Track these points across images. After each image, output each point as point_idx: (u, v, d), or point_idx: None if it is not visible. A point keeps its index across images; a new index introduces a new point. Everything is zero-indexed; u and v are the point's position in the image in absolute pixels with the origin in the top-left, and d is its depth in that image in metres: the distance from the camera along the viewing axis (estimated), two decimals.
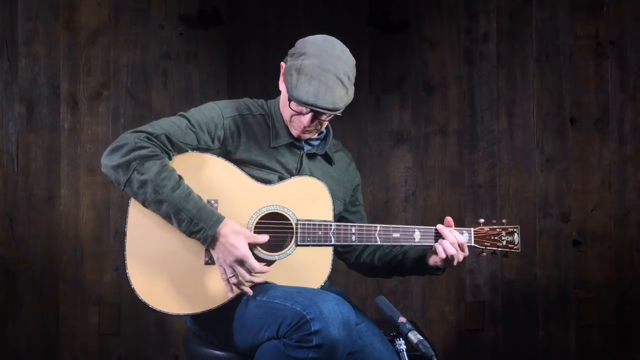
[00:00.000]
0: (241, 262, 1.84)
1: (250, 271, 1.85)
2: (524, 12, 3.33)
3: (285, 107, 2.00)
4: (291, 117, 1.99)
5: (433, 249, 2.04)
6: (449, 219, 2.05)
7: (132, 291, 1.89)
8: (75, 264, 3.14)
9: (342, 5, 3.28)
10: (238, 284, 1.86)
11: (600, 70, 3.34)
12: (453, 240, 2.00)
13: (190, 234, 1.85)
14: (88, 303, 3.15)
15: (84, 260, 3.15)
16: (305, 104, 1.89)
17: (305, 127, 1.98)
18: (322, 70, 1.89)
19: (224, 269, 1.86)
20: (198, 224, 1.83)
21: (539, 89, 3.32)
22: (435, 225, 2.04)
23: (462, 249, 2.02)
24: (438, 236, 2.03)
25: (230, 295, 1.88)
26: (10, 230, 3.12)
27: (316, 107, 1.89)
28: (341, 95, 1.91)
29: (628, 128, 3.35)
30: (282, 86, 2.03)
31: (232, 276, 1.85)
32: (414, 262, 2.12)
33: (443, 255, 2.00)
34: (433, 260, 2.05)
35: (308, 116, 1.94)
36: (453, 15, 3.32)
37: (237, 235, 1.85)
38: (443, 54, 3.31)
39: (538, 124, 3.32)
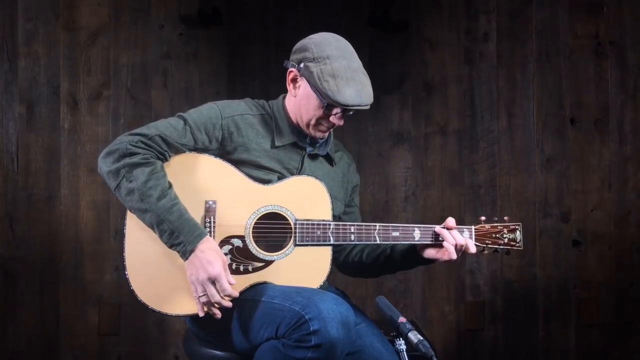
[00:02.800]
0: (213, 281, 1.81)
1: (219, 292, 1.82)
2: (524, 12, 3.33)
3: (309, 111, 1.99)
4: (317, 120, 1.99)
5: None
6: (450, 219, 2.03)
7: (132, 292, 1.89)
8: (75, 264, 3.14)
9: (342, 5, 3.28)
10: (207, 304, 1.83)
11: (600, 70, 3.34)
12: (453, 243, 1.99)
13: (171, 246, 1.84)
14: (88, 303, 3.15)
15: (84, 260, 3.15)
16: (352, 106, 1.92)
17: (334, 126, 2.00)
18: (352, 70, 1.94)
19: (195, 287, 1.83)
20: (179, 237, 1.82)
21: (539, 89, 3.32)
22: (435, 225, 2.03)
23: (466, 250, 2.01)
24: (438, 233, 2.03)
25: (201, 315, 1.85)
26: (10, 230, 3.12)
27: (361, 106, 1.93)
28: (370, 88, 1.97)
29: (628, 128, 3.35)
30: (298, 92, 2.01)
31: (203, 295, 1.82)
32: (404, 255, 2.10)
33: (450, 257, 1.99)
34: (430, 254, 2.04)
35: (340, 115, 1.97)
36: (453, 15, 3.32)
37: (216, 254, 1.84)
38: (443, 54, 3.31)
39: (538, 124, 3.32)
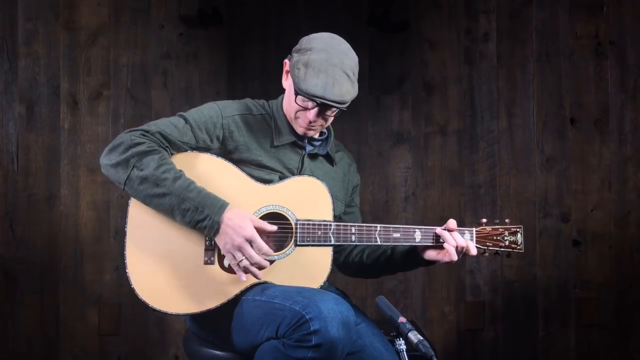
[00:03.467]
0: (249, 243, 1.83)
1: (258, 252, 1.84)
2: (524, 12, 3.33)
3: (290, 103, 1.99)
4: (296, 113, 1.99)
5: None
6: (451, 221, 2.02)
7: (132, 291, 1.88)
8: (75, 264, 3.14)
9: (342, 5, 3.28)
10: (247, 268, 1.85)
11: (600, 70, 3.34)
12: (454, 244, 1.99)
13: (196, 223, 1.83)
14: (88, 303, 3.15)
15: (84, 260, 3.15)
16: (314, 96, 1.89)
17: (310, 122, 1.97)
18: (329, 64, 1.90)
19: (232, 255, 1.84)
20: (204, 211, 1.82)
21: (539, 89, 3.32)
22: (436, 225, 2.03)
23: (467, 253, 2.02)
24: (439, 235, 2.02)
25: (244, 279, 1.86)
26: (10, 230, 3.12)
27: (324, 99, 1.89)
28: (348, 88, 1.92)
29: (628, 128, 3.35)
30: (286, 83, 2.02)
31: (242, 259, 1.84)
32: (404, 256, 2.10)
33: (450, 258, 1.99)
34: (430, 256, 2.04)
35: (314, 110, 1.94)
36: (453, 15, 3.32)
37: (244, 217, 1.85)
38: (443, 54, 3.31)
39: (538, 124, 3.32)
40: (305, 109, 1.95)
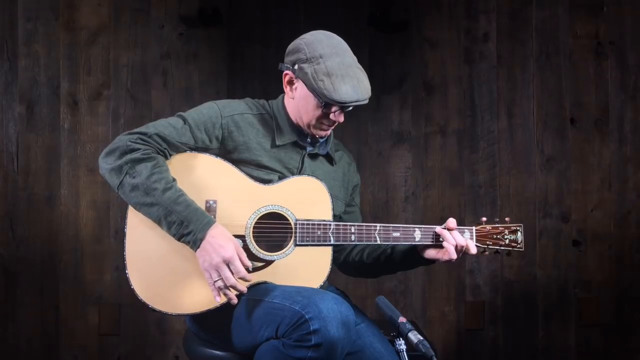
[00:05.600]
0: (227, 264, 1.81)
1: (234, 274, 1.82)
2: (524, 12, 3.33)
3: (308, 112, 1.99)
4: (317, 119, 1.99)
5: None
6: (451, 220, 2.02)
7: (132, 291, 1.89)
8: (75, 264, 3.14)
9: (342, 5, 3.28)
10: (223, 289, 1.83)
11: (600, 70, 3.34)
12: (454, 243, 1.99)
13: (180, 237, 1.83)
14: (88, 303, 3.15)
15: (84, 260, 3.15)
16: (350, 102, 1.92)
17: (330, 125, 2.01)
18: (346, 66, 1.93)
19: (210, 273, 1.83)
20: (189, 225, 1.81)
21: (539, 89, 3.32)
22: (436, 225, 2.03)
23: (466, 252, 2.01)
24: (439, 234, 2.02)
25: (219, 301, 1.85)
26: (10, 230, 3.12)
27: (359, 101, 1.93)
28: (367, 82, 1.97)
29: (628, 128, 3.35)
30: (295, 94, 2.01)
31: (218, 279, 1.82)
32: (404, 256, 2.10)
33: (450, 257, 1.99)
34: (430, 255, 2.04)
35: (341, 114, 1.98)
36: (453, 15, 3.32)
37: (227, 238, 1.84)
38: (443, 54, 3.31)
39: (538, 124, 3.32)
40: (328, 113, 1.97)
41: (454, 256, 1.99)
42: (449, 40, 3.31)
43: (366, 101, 1.97)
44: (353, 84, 1.91)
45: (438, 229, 2.02)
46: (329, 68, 1.91)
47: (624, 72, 3.35)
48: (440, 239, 2.01)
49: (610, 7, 3.34)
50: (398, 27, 3.30)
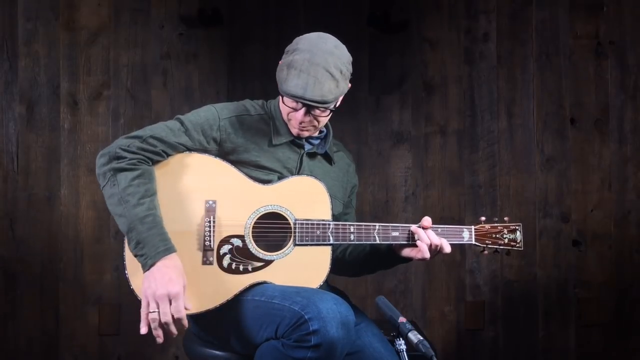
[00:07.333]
0: (170, 300, 1.74)
1: (174, 313, 1.74)
2: (524, 12, 3.33)
3: (282, 105, 2.01)
4: (288, 114, 2.00)
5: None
6: (426, 219, 2.02)
7: (132, 292, 1.88)
8: (75, 264, 3.14)
9: (342, 5, 3.28)
10: (155, 323, 1.74)
11: (600, 70, 3.34)
12: (427, 242, 1.98)
13: (135, 255, 1.80)
14: (88, 303, 3.15)
15: (84, 260, 3.15)
16: (293, 96, 1.90)
17: (300, 123, 1.97)
18: (311, 63, 1.89)
19: (148, 302, 1.75)
20: (143, 248, 1.77)
21: (539, 89, 3.32)
22: (412, 224, 2.03)
23: (441, 250, 2.01)
24: (414, 232, 2.01)
25: (143, 332, 1.75)
26: (10, 230, 3.12)
27: (304, 99, 1.89)
28: (330, 88, 1.90)
29: (628, 128, 3.35)
30: None
31: (154, 312, 1.73)
32: (381, 254, 2.10)
33: (423, 256, 1.99)
34: (406, 253, 2.04)
35: (301, 111, 1.94)
36: (453, 15, 3.32)
37: (179, 274, 1.77)
38: (443, 54, 3.31)
39: (538, 124, 3.32)
40: (294, 110, 1.96)
41: (427, 255, 1.98)
42: (449, 40, 3.31)
43: (319, 104, 1.90)
44: (307, 81, 1.88)
45: (413, 227, 2.01)
46: (294, 61, 1.91)
47: (624, 72, 3.35)
48: (416, 237, 2.00)
49: (610, 7, 3.34)
50: (398, 27, 3.30)
